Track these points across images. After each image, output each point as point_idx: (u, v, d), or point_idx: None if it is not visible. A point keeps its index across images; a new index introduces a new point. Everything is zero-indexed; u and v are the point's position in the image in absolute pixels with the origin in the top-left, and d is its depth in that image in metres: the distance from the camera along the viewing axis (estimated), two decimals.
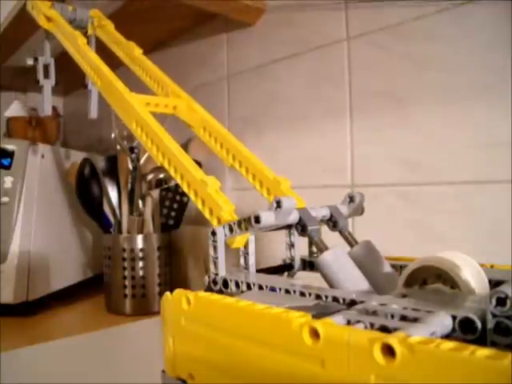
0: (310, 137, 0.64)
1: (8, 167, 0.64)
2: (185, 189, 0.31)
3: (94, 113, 0.59)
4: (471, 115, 0.49)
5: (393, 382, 0.15)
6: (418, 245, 0.52)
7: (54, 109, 0.95)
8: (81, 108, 0.63)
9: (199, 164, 0.69)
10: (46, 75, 0.57)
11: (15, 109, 0.91)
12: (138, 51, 0.48)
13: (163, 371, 0.24)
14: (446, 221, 0.50)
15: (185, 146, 0.70)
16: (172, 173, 0.32)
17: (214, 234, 0.27)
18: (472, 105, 0.49)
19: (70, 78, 0.60)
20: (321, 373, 0.17)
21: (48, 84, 0.57)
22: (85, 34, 0.52)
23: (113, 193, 0.67)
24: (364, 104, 0.58)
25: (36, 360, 0.44)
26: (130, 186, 0.66)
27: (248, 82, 0.73)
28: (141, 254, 0.63)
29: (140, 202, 0.66)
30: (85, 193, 0.69)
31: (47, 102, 0.58)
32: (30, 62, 0.58)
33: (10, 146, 0.65)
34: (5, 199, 0.62)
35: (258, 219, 0.25)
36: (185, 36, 0.83)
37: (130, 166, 0.65)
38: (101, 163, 0.68)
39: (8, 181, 0.63)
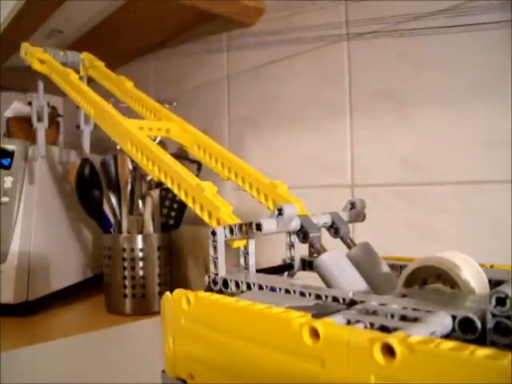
0: (310, 136, 0.64)
1: (8, 167, 0.64)
2: (183, 197, 0.32)
3: (86, 150, 0.61)
4: (471, 115, 0.49)
5: (393, 382, 0.15)
6: (417, 245, 0.52)
7: (54, 109, 0.95)
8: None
9: (199, 164, 0.69)
10: (40, 118, 0.58)
11: (15, 109, 0.91)
12: (128, 84, 0.51)
13: (163, 371, 0.24)
14: (445, 221, 0.50)
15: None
16: (169, 184, 0.33)
17: (214, 234, 0.27)
18: (472, 105, 0.49)
19: None
20: (321, 373, 0.17)
21: (42, 127, 0.59)
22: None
23: (113, 193, 0.67)
24: (364, 104, 0.58)
25: (36, 360, 0.44)
26: (129, 186, 0.66)
27: (248, 81, 0.73)
28: (141, 254, 0.63)
29: (140, 202, 0.66)
30: (85, 193, 0.69)
31: (41, 143, 0.59)
32: None
33: (9, 146, 0.65)
34: (5, 199, 0.62)
35: (259, 227, 0.25)
36: (185, 36, 0.83)
37: (130, 166, 0.65)
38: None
39: (8, 181, 0.63)
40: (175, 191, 0.33)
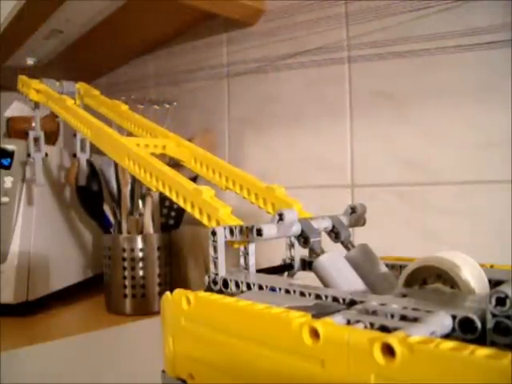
0: (310, 136, 0.64)
1: (8, 167, 0.64)
2: (181, 204, 0.33)
3: (82, 180, 0.64)
4: (471, 115, 0.49)
5: (393, 382, 0.15)
6: (418, 245, 0.52)
7: None
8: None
9: None
10: (37, 148, 0.60)
11: (15, 109, 0.91)
12: (124, 107, 0.53)
13: (163, 371, 0.24)
14: (446, 221, 0.50)
15: None
16: (167, 193, 0.34)
17: (214, 233, 0.27)
18: (472, 105, 0.49)
19: (70, 77, 0.60)
20: (321, 373, 0.17)
21: (39, 156, 0.60)
22: None
23: (113, 193, 0.67)
24: (364, 104, 0.58)
25: (36, 360, 0.44)
26: (129, 186, 0.66)
27: (248, 81, 0.73)
28: (141, 254, 0.63)
29: (140, 202, 0.66)
30: (85, 193, 0.69)
31: (39, 173, 0.60)
32: (30, 61, 0.59)
33: (9, 146, 0.65)
34: (5, 199, 0.62)
35: (260, 232, 0.25)
36: (185, 36, 0.83)
37: None
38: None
39: (8, 181, 0.63)
40: (174, 199, 0.33)
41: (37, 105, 0.58)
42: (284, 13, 0.67)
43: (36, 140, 0.59)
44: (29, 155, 0.60)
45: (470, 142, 0.49)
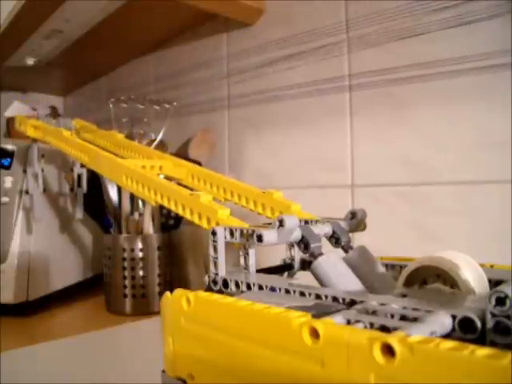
0: (310, 137, 0.64)
1: (8, 167, 0.64)
2: (180, 212, 0.33)
3: (80, 214, 0.65)
4: (471, 115, 0.49)
5: (392, 382, 0.15)
6: (417, 245, 0.52)
7: (55, 109, 0.95)
8: (81, 107, 0.63)
9: (199, 164, 0.69)
10: (36, 185, 0.61)
11: (15, 109, 0.91)
12: (119, 136, 0.54)
13: (163, 371, 0.24)
14: (446, 221, 0.51)
15: (184, 147, 0.69)
16: (166, 204, 0.34)
17: (214, 233, 0.27)
18: (472, 105, 0.49)
19: (70, 77, 0.60)
20: (321, 373, 0.17)
21: (37, 191, 0.61)
22: None
23: (113, 193, 0.67)
24: (364, 104, 0.58)
25: (36, 360, 0.44)
26: None
27: (248, 81, 0.73)
28: (141, 254, 0.63)
29: (140, 202, 0.66)
30: (85, 193, 0.69)
31: (38, 208, 0.61)
32: (29, 61, 0.59)
33: (9, 146, 0.65)
34: (5, 199, 0.62)
35: (260, 238, 0.25)
36: (185, 36, 0.84)
37: None
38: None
39: (8, 181, 0.63)
40: (173, 208, 0.34)
41: (35, 141, 0.59)
42: (283, 13, 0.67)
43: (35, 176, 0.61)
44: (27, 192, 0.61)
45: (469, 141, 0.49)
